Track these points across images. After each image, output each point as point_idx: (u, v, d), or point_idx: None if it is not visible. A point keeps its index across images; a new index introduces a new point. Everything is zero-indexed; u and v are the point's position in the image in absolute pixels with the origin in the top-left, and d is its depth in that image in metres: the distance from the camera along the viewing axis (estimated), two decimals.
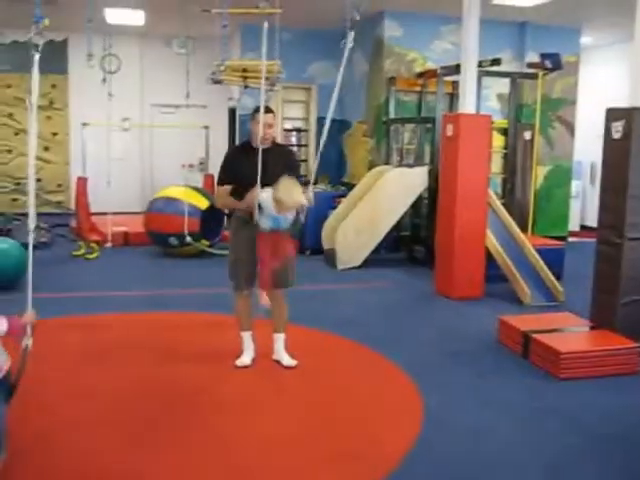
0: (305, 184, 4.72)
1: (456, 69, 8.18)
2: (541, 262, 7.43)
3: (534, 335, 5.15)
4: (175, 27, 10.27)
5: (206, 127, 10.73)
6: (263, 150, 4.53)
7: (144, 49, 13.08)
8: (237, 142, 11.09)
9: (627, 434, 3.96)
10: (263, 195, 4.36)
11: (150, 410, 4.10)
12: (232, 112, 11.93)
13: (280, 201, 4.29)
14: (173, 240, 8.77)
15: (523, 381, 4.80)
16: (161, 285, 7.48)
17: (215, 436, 3.74)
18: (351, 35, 4.47)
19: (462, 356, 5.33)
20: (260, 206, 4.37)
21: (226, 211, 4.91)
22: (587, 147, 11.62)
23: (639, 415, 4.27)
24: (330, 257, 8.77)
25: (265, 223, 4.40)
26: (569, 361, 4.80)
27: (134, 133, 12.41)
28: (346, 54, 4.50)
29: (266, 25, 4.53)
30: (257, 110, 4.68)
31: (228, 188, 4.67)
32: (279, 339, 4.94)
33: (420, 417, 4.08)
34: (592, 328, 5.47)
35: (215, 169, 11.47)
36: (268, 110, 4.71)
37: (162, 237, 8.93)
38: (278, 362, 4.91)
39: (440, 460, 3.56)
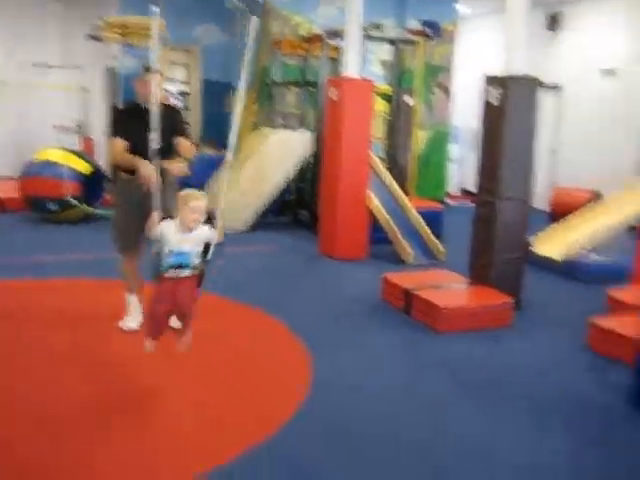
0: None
1: (340, 34, 8.25)
2: (423, 223, 7.70)
3: (415, 292, 5.37)
4: None
5: (84, 89, 10.34)
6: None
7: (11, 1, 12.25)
8: (118, 103, 10.77)
9: (498, 378, 4.26)
10: (164, 226, 3.64)
11: (34, 372, 3.99)
12: (112, 72, 11.52)
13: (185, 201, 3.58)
14: (52, 205, 8.44)
15: (406, 336, 5.00)
16: (41, 251, 7.18)
17: (101, 394, 3.71)
18: None
19: (348, 315, 5.48)
20: (160, 240, 3.65)
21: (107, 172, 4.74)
22: (465, 113, 12.04)
23: (510, 361, 4.59)
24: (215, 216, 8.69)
25: (168, 261, 3.63)
26: (448, 315, 5.04)
27: (3, 93, 11.73)
28: None
29: None
30: (146, 70, 4.56)
31: (123, 144, 4.53)
32: None
33: (309, 375, 4.18)
34: (470, 285, 5.75)
35: (94, 132, 11.03)
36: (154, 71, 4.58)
37: (41, 202, 8.56)
38: None
39: (327, 418, 3.65)
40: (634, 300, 5.27)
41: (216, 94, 11.35)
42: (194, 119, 11.17)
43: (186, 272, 3.66)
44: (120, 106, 4.86)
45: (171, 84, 11.15)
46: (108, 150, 4.80)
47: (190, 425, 3.52)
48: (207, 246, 3.71)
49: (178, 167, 4.60)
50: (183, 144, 4.63)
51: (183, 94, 11.16)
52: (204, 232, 3.68)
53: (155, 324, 3.76)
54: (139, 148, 4.33)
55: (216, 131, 11.15)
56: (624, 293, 5.60)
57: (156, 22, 3.82)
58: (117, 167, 4.63)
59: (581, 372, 4.47)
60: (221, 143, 11.00)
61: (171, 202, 4.63)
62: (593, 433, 3.63)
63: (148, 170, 4.16)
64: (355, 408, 3.79)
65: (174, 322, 3.91)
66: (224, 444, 3.33)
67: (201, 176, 9.14)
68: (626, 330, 4.53)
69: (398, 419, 3.68)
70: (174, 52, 11.00)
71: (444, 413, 3.78)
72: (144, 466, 3.10)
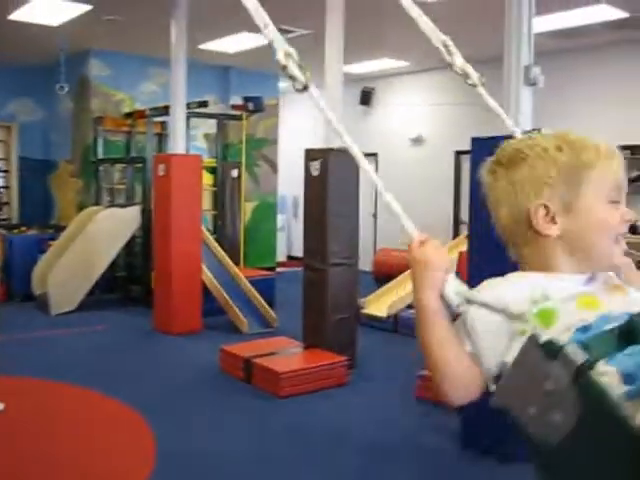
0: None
1: (164, 110, 8.41)
2: (254, 292, 7.88)
3: (254, 360, 5.49)
4: None
5: None
6: None
7: None
8: None
9: (339, 434, 4.45)
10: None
11: None
12: None
13: None
14: None
15: (248, 403, 5.10)
16: None
17: None
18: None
19: (188, 388, 5.49)
20: None
21: None
22: (289, 183, 12.54)
23: (349, 417, 4.81)
24: (43, 302, 8.39)
25: None
26: (287, 380, 5.20)
27: None
28: None
29: None
30: None
31: None
32: None
33: (153, 450, 4.16)
34: (305, 348, 5.96)
35: None
36: None
37: None
38: None
39: None
40: None
41: (37, 172, 11.03)
42: (13, 198, 10.78)
43: None
44: None
45: None
46: None
47: None
48: None
49: None
50: None
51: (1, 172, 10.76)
52: None
53: None
54: None
55: (37, 208, 10.85)
56: None
57: None
58: None
59: (413, 420, 4.78)
60: (43, 221, 10.71)
61: None
62: (430, 476, 3.90)
63: None
64: (203, 474, 3.82)
65: None
66: None
67: (24, 257, 8.84)
68: None
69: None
70: None
71: (293, 474, 3.89)
72: None
